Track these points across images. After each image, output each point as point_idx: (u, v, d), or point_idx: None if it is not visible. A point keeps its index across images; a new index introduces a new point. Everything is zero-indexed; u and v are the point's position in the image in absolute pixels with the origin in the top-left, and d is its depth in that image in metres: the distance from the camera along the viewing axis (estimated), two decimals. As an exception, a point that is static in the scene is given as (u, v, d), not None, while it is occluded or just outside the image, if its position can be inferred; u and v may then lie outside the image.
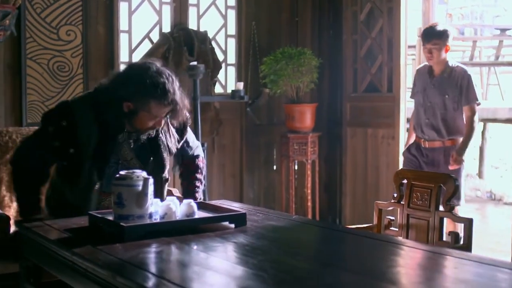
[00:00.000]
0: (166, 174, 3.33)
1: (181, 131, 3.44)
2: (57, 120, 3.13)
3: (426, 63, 5.25)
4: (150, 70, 3.10)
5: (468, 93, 5.10)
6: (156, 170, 3.26)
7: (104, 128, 3.14)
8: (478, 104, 5.15)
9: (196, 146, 3.61)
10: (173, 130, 3.38)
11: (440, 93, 5.14)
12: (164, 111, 3.12)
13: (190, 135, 3.56)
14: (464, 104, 5.11)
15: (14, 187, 3.21)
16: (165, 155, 3.34)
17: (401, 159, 6.16)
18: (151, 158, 3.29)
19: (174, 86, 3.11)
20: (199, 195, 3.47)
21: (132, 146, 3.24)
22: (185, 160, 3.56)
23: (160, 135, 3.30)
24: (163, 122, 3.18)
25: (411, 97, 5.47)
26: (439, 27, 5.17)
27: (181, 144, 3.47)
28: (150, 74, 3.08)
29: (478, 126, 5.19)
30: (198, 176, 3.55)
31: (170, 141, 3.35)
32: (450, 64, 5.18)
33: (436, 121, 5.15)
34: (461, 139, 5.15)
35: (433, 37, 5.09)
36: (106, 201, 3.18)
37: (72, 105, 3.20)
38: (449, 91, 5.12)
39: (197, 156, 3.61)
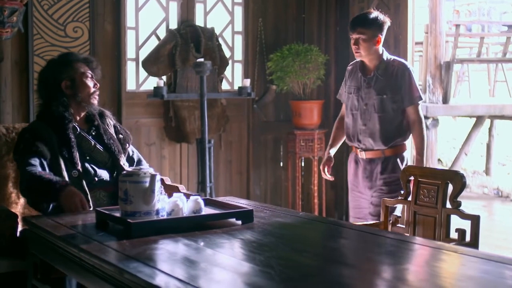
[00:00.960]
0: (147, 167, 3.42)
1: (125, 139, 3.79)
2: (22, 138, 3.51)
3: (357, 59, 4.45)
4: (56, 56, 3.80)
5: (411, 91, 4.30)
6: (122, 147, 3.69)
7: (58, 129, 3.49)
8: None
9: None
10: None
11: (377, 93, 4.31)
12: (89, 67, 3.65)
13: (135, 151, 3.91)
14: (407, 104, 4.29)
15: (35, 200, 3.39)
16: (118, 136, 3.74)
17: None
18: (110, 140, 3.64)
19: (76, 52, 3.91)
20: None
21: (88, 136, 3.59)
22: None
23: (101, 126, 3.68)
24: (96, 82, 3.64)
25: (342, 100, 4.62)
26: (371, 15, 4.34)
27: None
28: (55, 57, 3.75)
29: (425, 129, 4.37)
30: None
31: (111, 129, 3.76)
32: (386, 58, 4.36)
33: (373, 127, 4.32)
34: (403, 146, 4.37)
35: (359, 25, 4.28)
36: (94, 196, 3.42)
37: (24, 128, 3.66)
38: (387, 89, 4.30)
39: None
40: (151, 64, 6.03)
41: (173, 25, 6.22)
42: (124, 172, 2.78)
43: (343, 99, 4.56)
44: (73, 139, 3.47)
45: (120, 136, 3.73)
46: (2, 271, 3.11)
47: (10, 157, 3.92)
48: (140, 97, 5.98)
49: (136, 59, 6.06)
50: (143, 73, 6.10)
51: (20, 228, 3.31)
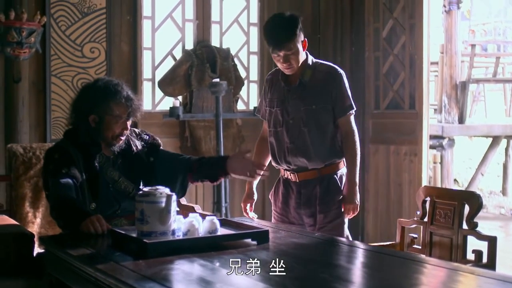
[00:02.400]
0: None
1: (152, 143, 3.59)
2: (51, 157, 3.35)
3: (277, 68, 3.83)
4: (98, 81, 3.44)
5: (343, 100, 3.73)
6: (144, 181, 3.43)
7: (85, 154, 3.35)
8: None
9: (181, 154, 3.77)
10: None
11: (304, 103, 3.71)
12: (124, 110, 3.35)
13: (168, 151, 3.70)
14: (339, 115, 3.72)
15: (64, 224, 3.28)
16: (147, 165, 3.52)
17: (424, 176, 6.14)
18: (136, 174, 3.44)
19: (122, 85, 3.41)
20: (220, 156, 3.59)
21: (114, 166, 3.41)
22: (189, 170, 3.55)
23: (134, 147, 3.49)
24: (128, 125, 3.38)
25: (262, 116, 3.99)
26: (289, 22, 3.65)
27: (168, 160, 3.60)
28: (99, 83, 3.41)
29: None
30: (204, 160, 3.58)
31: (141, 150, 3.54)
32: (311, 62, 3.78)
33: (303, 144, 3.71)
34: (341, 163, 3.79)
35: (286, 41, 3.60)
36: (116, 225, 3.25)
37: (54, 145, 3.51)
38: (315, 99, 3.71)
39: (190, 158, 3.62)
40: (167, 84, 6.06)
41: (189, 45, 6.26)
42: (141, 192, 2.79)
43: (264, 115, 3.95)
44: (97, 169, 3.35)
45: (151, 159, 3.53)
46: (18, 290, 3.12)
47: (27, 177, 3.95)
48: (156, 117, 6.01)
49: (152, 79, 6.10)
50: (159, 93, 6.13)
51: (36, 247, 3.32)
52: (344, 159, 3.78)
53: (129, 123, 3.39)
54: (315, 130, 3.71)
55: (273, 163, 3.89)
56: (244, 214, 3.95)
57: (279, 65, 3.70)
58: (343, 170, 3.78)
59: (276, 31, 3.64)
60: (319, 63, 3.82)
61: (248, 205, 3.94)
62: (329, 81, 3.74)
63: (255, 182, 3.94)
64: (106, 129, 3.34)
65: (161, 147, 3.62)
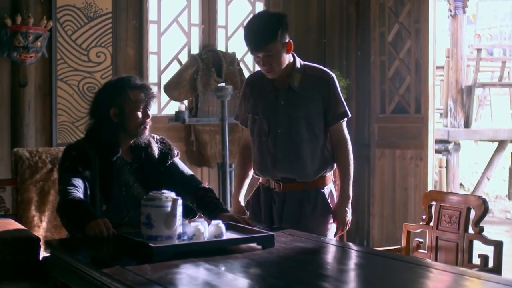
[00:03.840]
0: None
1: (165, 153, 3.53)
2: (68, 154, 3.35)
3: (259, 69, 3.53)
4: (111, 80, 3.56)
5: (337, 106, 3.46)
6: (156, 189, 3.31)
7: (103, 155, 3.33)
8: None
9: (192, 175, 3.62)
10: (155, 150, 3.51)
11: (295, 111, 3.43)
12: (141, 96, 3.35)
13: (181, 164, 3.61)
14: (332, 122, 3.45)
15: (68, 222, 3.27)
16: (163, 174, 3.48)
17: (430, 180, 6.13)
18: (150, 182, 3.39)
19: (134, 76, 3.45)
20: (222, 206, 3.41)
21: (130, 170, 3.40)
22: (192, 192, 3.47)
23: (155, 154, 3.46)
24: (149, 112, 3.37)
25: (242, 123, 3.66)
26: (270, 20, 3.38)
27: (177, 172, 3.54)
28: (112, 80, 3.52)
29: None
30: (211, 195, 3.45)
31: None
32: (299, 65, 3.49)
33: (295, 156, 3.44)
34: (329, 176, 3.53)
35: (265, 42, 3.32)
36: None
37: (74, 142, 3.51)
38: (307, 107, 3.43)
39: (198, 183, 3.53)
40: (173, 89, 6.07)
41: (195, 50, 6.27)
42: (146, 196, 2.79)
43: (245, 122, 3.62)
44: (114, 171, 3.34)
45: (161, 169, 3.48)
46: (24, 294, 3.12)
47: (33, 181, 3.96)
48: (162, 121, 6.02)
49: (158, 84, 6.11)
50: (164, 97, 6.14)
51: (42, 251, 3.33)
52: (333, 171, 3.55)
53: (149, 111, 3.38)
54: (307, 141, 3.43)
55: (256, 173, 3.63)
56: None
57: (260, 68, 3.44)
58: (330, 185, 3.55)
59: (254, 31, 3.38)
60: (309, 66, 3.54)
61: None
62: (321, 86, 3.46)
63: (241, 196, 3.70)
64: (128, 119, 3.33)
65: (175, 158, 3.56)
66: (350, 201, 3.49)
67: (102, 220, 3.00)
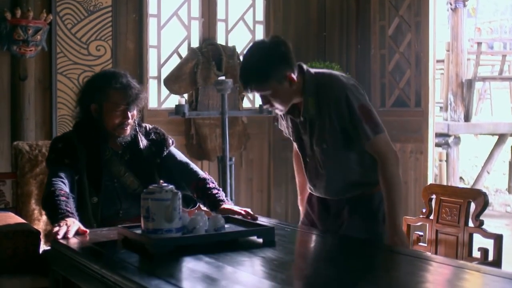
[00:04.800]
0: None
1: (160, 144, 3.50)
2: (54, 147, 3.36)
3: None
4: (100, 72, 3.53)
5: (363, 122, 3.05)
6: (150, 180, 3.28)
7: (90, 147, 3.33)
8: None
9: (190, 164, 3.56)
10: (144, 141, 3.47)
11: (316, 143, 3.15)
12: (122, 97, 3.26)
13: (178, 153, 3.58)
14: (363, 140, 3.06)
15: (46, 215, 3.28)
16: (153, 165, 3.45)
17: (430, 173, 6.13)
18: (142, 172, 3.38)
19: (123, 74, 3.35)
20: (223, 197, 3.37)
21: (121, 161, 3.38)
22: (192, 183, 3.44)
23: (140, 143, 3.42)
24: (129, 116, 3.30)
25: (286, 134, 3.41)
26: (258, 62, 3.01)
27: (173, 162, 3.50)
28: (100, 73, 3.49)
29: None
30: (211, 185, 3.40)
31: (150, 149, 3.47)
32: (312, 86, 3.09)
33: (324, 185, 3.23)
34: (375, 189, 3.20)
35: (253, 82, 3.04)
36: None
37: (60, 136, 3.54)
38: (328, 135, 3.10)
39: (197, 173, 3.48)
40: (173, 82, 6.07)
41: (195, 43, 6.26)
42: (146, 189, 2.79)
43: (288, 135, 3.39)
44: (103, 162, 3.32)
45: (157, 160, 3.44)
46: (24, 287, 3.12)
47: (33, 174, 3.95)
48: (162, 115, 6.01)
49: (158, 77, 6.11)
50: (164, 91, 6.14)
51: (42, 244, 3.33)
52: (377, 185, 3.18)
53: (130, 113, 3.30)
54: (335, 170, 3.17)
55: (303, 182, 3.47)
56: None
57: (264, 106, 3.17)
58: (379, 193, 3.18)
59: (243, 69, 3.10)
60: (322, 84, 3.09)
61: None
62: (338, 106, 3.04)
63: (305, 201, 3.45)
64: (106, 118, 3.29)
65: (171, 147, 3.54)
66: (398, 229, 3.08)
67: (70, 220, 2.96)
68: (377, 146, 3.07)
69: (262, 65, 3.00)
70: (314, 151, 3.18)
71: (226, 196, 3.44)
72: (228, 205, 3.29)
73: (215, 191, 3.37)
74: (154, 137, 3.52)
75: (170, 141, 3.56)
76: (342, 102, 3.04)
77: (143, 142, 3.45)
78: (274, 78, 2.99)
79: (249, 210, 3.21)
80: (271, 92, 3.02)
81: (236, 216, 3.12)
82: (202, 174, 3.48)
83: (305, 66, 3.17)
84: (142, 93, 3.36)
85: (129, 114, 3.30)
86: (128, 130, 3.34)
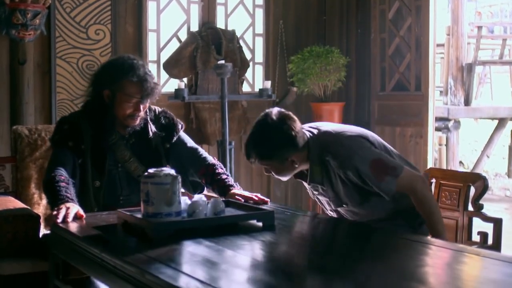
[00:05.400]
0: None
1: (170, 129, 3.50)
2: (60, 127, 3.35)
3: None
4: (119, 58, 3.40)
5: (378, 178, 3.06)
6: (155, 166, 3.28)
7: (97, 129, 3.33)
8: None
9: (199, 150, 3.57)
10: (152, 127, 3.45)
11: (335, 204, 3.27)
12: (137, 90, 3.26)
13: (187, 138, 3.59)
14: (384, 192, 3.10)
15: (47, 200, 3.27)
16: (160, 150, 3.45)
17: (429, 158, 6.13)
18: (149, 158, 3.36)
19: (141, 65, 3.33)
20: (232, 182, 3.38)
21: (127, 146, 3.37)
22: (201, 169, 3.44)
23: (150, 132, 3.42)
24: (141, 108, 3.30)
25: None
26: (264, 141, 3.13)
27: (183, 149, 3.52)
28: (119, 60, 3.37)
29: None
30: (220, 171, 3.42)
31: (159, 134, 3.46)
32: (317, 152, 3.15)
33: (367, 218, 3.26)
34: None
35: (253, 157, 3.19)
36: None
37: (68, 115, 3.53)
38: (342, 196, 3.19)
39: (206, 158, 3.49)
40: (172, 66, 6.05)
41: (194, 27, 6.24)
42: (146, 173, 2.79)
43: None
44: (108, 146, 3.32)
45: (167, 145, 3.46)
46: (24, 271, 3.13)
47: (33, 158, 3.95)
48: (161, 99, 5.96)
49: (158, 61, 6.09)
50: (164, 75, 6.12)
51: (42, 228, 3.33)
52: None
53: (143, 106, 3.30)
54: (367, 217, 3.22)
55: None
56: None
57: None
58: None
59: (248, 144, 3.20)
60: (325, 153, 3.12)
61: None
62: (349, 176, 3.09)
63: None
64: (118, 107, 3.29)
65: (181, 132, 3.54)
66: (440, 235, 3.06)
67: (70, 204, 2.96)
68: (402, 187, 3.09)
69: (266, 146, 3.13)
70: (338, 211, 3.26)
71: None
72: (237, 190, 3.29)
73: (224, 177, 3.38)
74: (163, 121, 3.51)
75: (180, 126, 3.56)
76: (352, 173, 3.08)
77: (152, 131, 3.44)
78: (276, 160, 3.14)
79: (259, 195, 3.22)
80: (273, 168, 3.17)
81: (249, 202, 3.13)
82: (211, 159, 3.48)
83: (308, 134, 3.21)
84: (157, 87, 3.35)
85: (141, 107, 3.31)
86: (138, 121, 3.35)
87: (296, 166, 3.16)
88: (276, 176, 3.25)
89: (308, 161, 3.17)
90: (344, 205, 3.20)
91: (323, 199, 3.31)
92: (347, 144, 3.13)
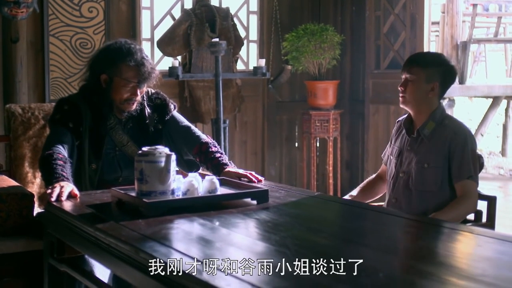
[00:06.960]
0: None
1: (162, 109, 3.50)
2: (60, 108, 3.33)
3: (405, 115, 3.61)
4: (116, 42, 3.37)
5: (463, 163, 3.30)
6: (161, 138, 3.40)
7: (95, 112, 3.32)
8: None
9: (192, 128, 3.56)
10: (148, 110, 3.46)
11: (417, 159, 3.39)
12: (134, 74, 3.26)
13: (180, 118, 3.58)
14: (455, 179, 3.32)
15: (42, 177, 3.26)
16: (157, 133, 3.45)
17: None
18: (145, 140, 3.32)
19: (139, 50, 3.33)
20: (226, 160, 3.38)
21: (124, 129, 3.38)
22: (195, 147, 3.44)
23: (146, 115, 3.42)
24: (138, 92, 3.30)
25: (384, 162, 3.69)
26: (433, 54, 3.62)
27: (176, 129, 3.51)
28: (116, 44, 3.34)
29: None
30: (214, 149, 3.41)
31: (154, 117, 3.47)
32: (439, 115, 3.43)
33: (407, 205, 3.41)
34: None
35: (414, 62, 3.47)
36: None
37: (67, 96, 3.49)
38: (431, 157, 3.36)
39: (199, 137, 3.49)
40: (166, 44, 6.02)
41: (188, 5, 6.21)
42: (140, 152, 2.78)
43: (385, 160, 3.67)
44: (106, 129, 3.32)
45: (159, 127, 3.46)
46: (19, 250, 3.13)
47: (26, 137, 3.94)
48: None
49: (151, 39, 6.06)
50: (158, 53, 6.10)
51: (36, 207, 3.33)
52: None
53: (140, 90, 3.31)
54: (422, 192, 3.37)
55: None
56: None
57: (399, 89, 3.57)
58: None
59: (416, 53, 3.75)
60: (448, 119, 3.44)
61: None
62: (452, 141, 3.33)
63: (354, 192, 3.72)
64: (115, 92, 3.28)
65: (173, 112, 3.54)
66: None
67: (64, 183, 2.95)
68: (467, 188, 3.30)
69: (433, 56, 3.57)
70: (411, 169, 3.39)
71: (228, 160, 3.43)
72: (231, 168, 3.28)
73: (218, 155, 3.38)
74: (156, 102, 3.51)
75: (172, 106, 3.56)
76: (460, 137, 3.33)
77: (148, 114, 3.44)
78: (428, 72, 3.41)
79: (253, 172, 3.22)
80: (414, 83, 3.42)
81: (242, 179, 3.12)
82: (205, 138, 3.47)
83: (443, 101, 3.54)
84: (154, 71, 3.35)
85: (138, 91, 3.31)
86: (135, 105, 3.35)
87: (430, 96, 3.41)
88: (407, 91, 3.47)
89: (430, 115, 3.42)
90: (426, 164, 3.35)
91: (408, 155, 3.43)
92: (466, 128, 3.42)
